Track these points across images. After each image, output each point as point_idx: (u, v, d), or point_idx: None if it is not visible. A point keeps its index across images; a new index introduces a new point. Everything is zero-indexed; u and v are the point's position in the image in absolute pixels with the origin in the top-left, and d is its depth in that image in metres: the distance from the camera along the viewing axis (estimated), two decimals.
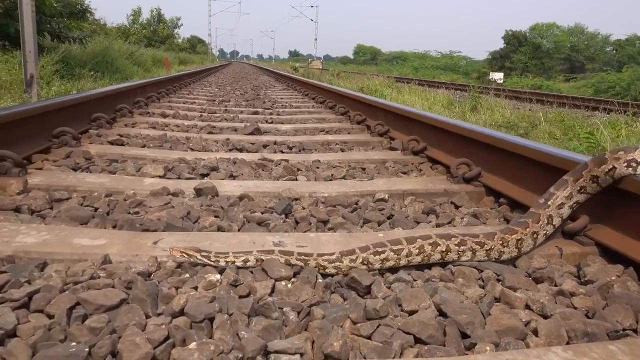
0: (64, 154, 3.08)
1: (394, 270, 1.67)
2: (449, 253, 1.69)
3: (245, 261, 1.62)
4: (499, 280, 1.60)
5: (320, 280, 1.54)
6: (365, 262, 1.62)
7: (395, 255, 1.64)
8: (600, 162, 1.84)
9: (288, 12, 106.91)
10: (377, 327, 1.29)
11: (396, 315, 1.37)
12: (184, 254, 1.60)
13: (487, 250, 1.72)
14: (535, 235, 1.79)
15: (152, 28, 50.97)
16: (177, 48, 50.94)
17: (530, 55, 56.80)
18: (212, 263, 1.61)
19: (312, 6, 68.91)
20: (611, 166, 1.82)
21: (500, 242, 1.73)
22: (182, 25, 59.23)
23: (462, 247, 1.70)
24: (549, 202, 1.84)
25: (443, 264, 1.72)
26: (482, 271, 1.65)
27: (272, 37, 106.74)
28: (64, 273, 1.54)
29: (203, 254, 1.61)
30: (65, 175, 2.65)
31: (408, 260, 1.66)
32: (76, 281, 1.45)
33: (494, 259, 1.74)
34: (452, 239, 1.69)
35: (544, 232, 1.83)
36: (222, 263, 1.61)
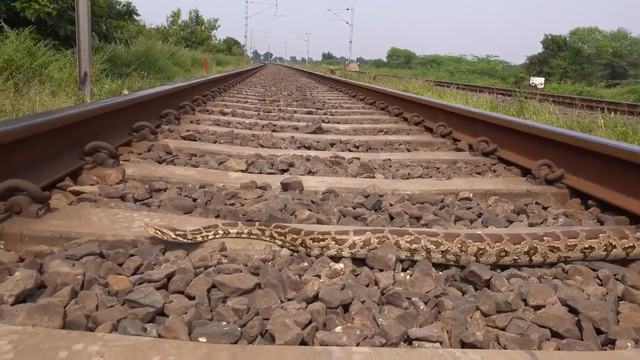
0: (146, 147, 3.18)
1: (503, 267, 1.67)
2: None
3: (215, 234, 1.72)
4: (617, 280, 1.59)
5: (440, 273, 1.56)
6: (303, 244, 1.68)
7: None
8: None
9: (323, 14, 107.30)
10: (511, 319, 1.30)
11: (524, 309, 1.38)
12: (157, 231, 1.62)
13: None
14: None
15: (189, 29, 51.83)
16: (214, 49, 51.68)
17: (570, 61, 55.63)
18: (188, 241, 1.66)
19: (347, 9, 69.03)
20: None
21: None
22: (219, 27, 60.02)
23: None
24: None
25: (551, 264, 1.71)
26: (596, 270, 1.64)
27: (306, 39, 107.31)
28: (187, 258, 1.59)
29: (178, 232, 1.65)
30: (155, 167, 2.74)
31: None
32: (206, 265, 1.50)
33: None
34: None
35: None
36: (199, 239, 1.68)
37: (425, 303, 1.38)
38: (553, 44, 57.59)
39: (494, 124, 3.66)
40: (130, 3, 16.94)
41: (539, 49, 61.77)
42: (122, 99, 3.49)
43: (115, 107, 3.23)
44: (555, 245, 1.66)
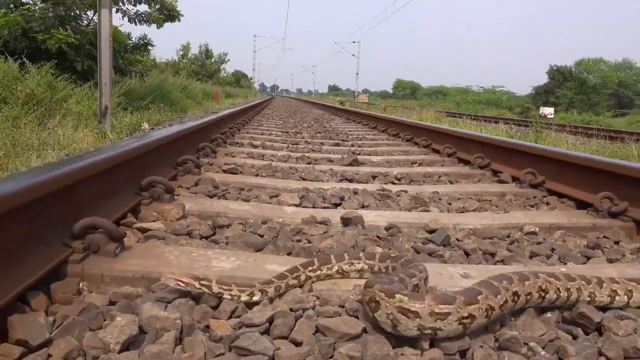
0: (192, 181, 3.14)
1: (604, 308, 1.58)
2: None
3: (251, 295, 1.47)
4: None
5: (549, 315, 1.48)
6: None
7: None
8: None
9: (330, 47, 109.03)
10: None
11: None
12: (179, 282, 1.44)
13: None
14: None
15: (200, 63, 52.64)
16: (224, 82, 52.38)
17: (576, 91, 55.85)
18: (213, 294, 1.46)
19: (354, 42, 70.09)
20: None
21: None
22: (229, 60, 61.07)
23: None
24: None
25: None
26: None
27: (313, 72, 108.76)
28: (281, 300, 1.52)
29: (203, 282, 1.45)
30: (210, 202, 2.69)
31: None
32: (303, 308, 1.43)
33: None
34: None
35: None
36: (226, 296, 1.46)
37: (543, 348, 1.30)
38: (558, 75, 57.94)
39: (539, 156, 3.61)
40: (145, 35, 17.22)
41: (544, 79, 62.17)
42: (167, 133, 3.46)
43: (162, 141, 3.20)
44: None
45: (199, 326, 1.33)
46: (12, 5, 14.35)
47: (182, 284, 1.44)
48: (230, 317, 1.39)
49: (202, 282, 1.45)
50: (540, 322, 1.42)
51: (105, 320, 1.31)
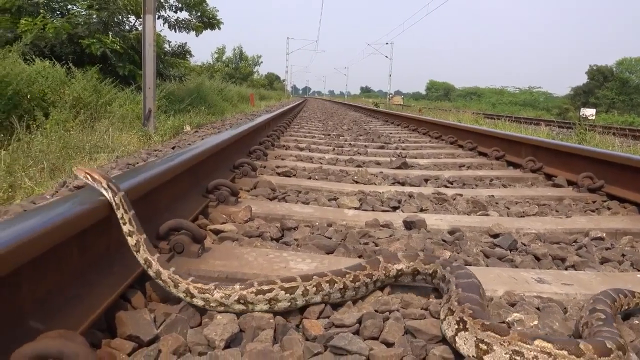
0: (251, 184, 3.21)
1: None
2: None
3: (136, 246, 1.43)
4: None
5: (636, 321, 1.47)
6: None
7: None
8: None
9: (363, 49, 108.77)
10: None
11: None
12: (88, 176, 1.45)
13: None
14: None
15: (234, 65, 53.37)
16: (257, 84, 52.98)
17: (617, 91, 54.29)
18: (111, 199, 1.43)
19: (387, 43, 69.81)
20: None
21: None
22: (262, 62, 61.74)
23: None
24: None
25: None
26: None
27: (345, 73, 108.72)
28: (365, 301, 1.56)
29: (111, 185, 1.43)
30: (272, 204, 2.75)
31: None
32: (389, 309, 1.47)
33: None
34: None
35: None
36: (118, 213, 1.43)
37: (636, 354, 1.30)
38: (599, 75, 56.40)
39: (596, 159, 3.55)
40: (185, 43, 17.57)
41: (582, 79, 60.62)
42: (223, 138, 3.54)
43: (221, 146, 3.28)
44: None
45: (292, 325, 1.37)
46: (58, 12, 14.86)
47: (89, 178, 1.44)
48: (319, 317, 1.43)
49: (111, 185, 1.43)
50: (628, 328, 1.42)
51: (202, 318, 1.37)
